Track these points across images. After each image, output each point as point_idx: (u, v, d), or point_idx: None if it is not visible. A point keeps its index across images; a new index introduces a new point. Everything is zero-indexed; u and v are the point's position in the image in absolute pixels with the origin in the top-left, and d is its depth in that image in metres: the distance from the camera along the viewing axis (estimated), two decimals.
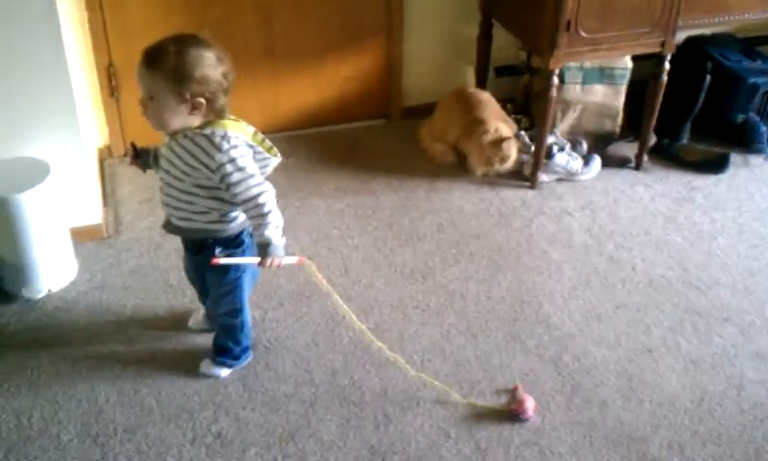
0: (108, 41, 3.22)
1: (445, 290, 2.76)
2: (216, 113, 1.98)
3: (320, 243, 2.96)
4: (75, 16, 3.06)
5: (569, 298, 2.75)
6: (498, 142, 3.25)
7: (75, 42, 2.98)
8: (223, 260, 2.10)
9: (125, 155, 3.40)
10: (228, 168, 1.95)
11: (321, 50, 3.54)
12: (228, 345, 2.37)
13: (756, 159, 3.58)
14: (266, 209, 1.99)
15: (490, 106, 3.41)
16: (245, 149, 2.00)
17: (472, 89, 3.51)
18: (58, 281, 2.70)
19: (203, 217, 2.08)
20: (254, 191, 1.97)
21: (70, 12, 2.96)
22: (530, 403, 2.29)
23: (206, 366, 2.40)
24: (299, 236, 2.97)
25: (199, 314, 2.54)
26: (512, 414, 2.28)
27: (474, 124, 3.31)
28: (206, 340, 2.47)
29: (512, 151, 3.28)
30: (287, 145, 3.41)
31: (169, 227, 2.17)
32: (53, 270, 2.67)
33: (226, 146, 1.95)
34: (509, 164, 3.32)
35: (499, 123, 3.32)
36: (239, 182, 1.96)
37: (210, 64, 1.93)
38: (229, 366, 2.40)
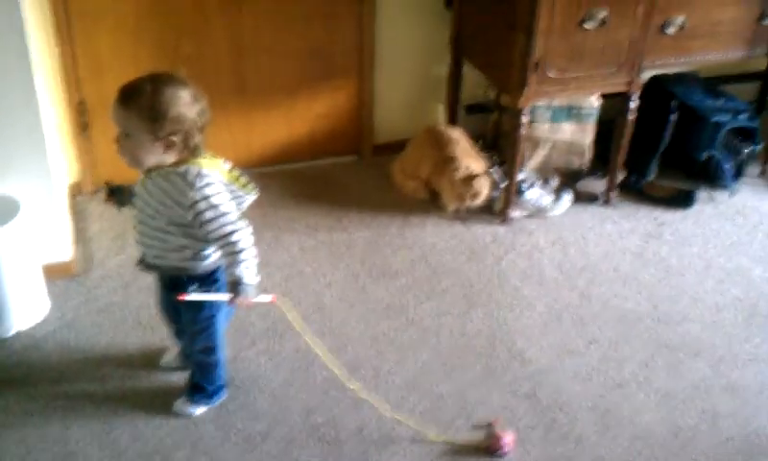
0: (78, 77, 3.20)
1: (419, 326, 2.77)
2: (191, 151, 1.98)
3: (292, 280, 2.95)
4: (45, 52, 3.04)
5: (542, 334, 2.77)
6: (470, 179, 3.28)
7: (45, 78, 2.96)
8: (190, 297, 2.09)
9: (95, 192, 3.38)
10: (202, 206, 1.95)
11: (293, 87, 3.55)
12: (202, 383, 2.34)
13: (720, 195, 3.65)
14: (238, 247, 1.99)
15: (461, 143, 3.45)
16: (219, 186, 2.00)
17: (443, 127, 3.55)
18: (27, 319, 2.65)
19: (177, 254, 2.07)
20: (228, 229, 1.97)
21: (40, 47, 2.95)
22: (508, 438, 2.29)
23: (181, 405, 2.37)
24: (271, 273, 2.96)
25: (171, 353, 2.52)
26: (489, 449, 2.28)
27: (446, 161, 3.34)
28: (180, 378, 2.44)
29: (483, 187, 3.31)
30: (259, 181, 3.35)
31: (143, 264, 2.16)
32: (23, 308, 2.63)
33: (199, 184, 1.94)
34: (480, 200, 3.35)
35: (470, 160, 3.36)
36: (212, 220, 1.96)
37: (186, 103, 1.93)
38: (204, 405, 2.37)
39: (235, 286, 2.02)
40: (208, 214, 1.95)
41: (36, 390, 2.42)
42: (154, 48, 3.24)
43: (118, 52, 3.20)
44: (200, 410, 2.36)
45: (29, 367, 2.50)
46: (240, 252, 1.99)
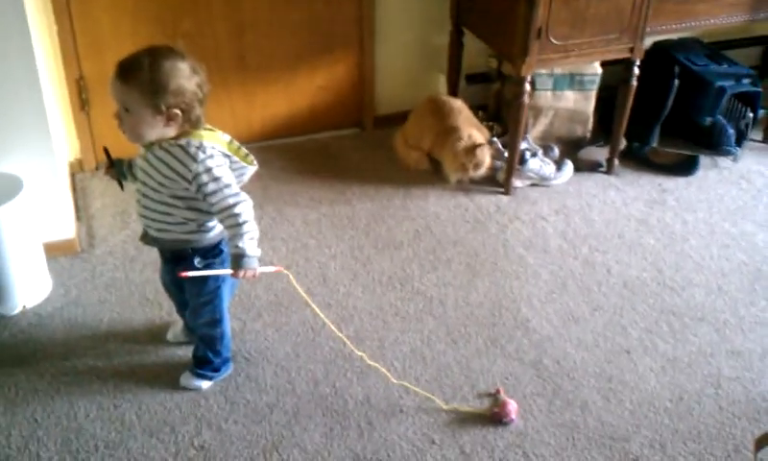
0: (77, 54, 3.19)
1: (424, 297, 2.77)
2: (191, 124, 1.97)
3: (297, 253, 2.95)
4: (44, 29, 3.03)
5: (547, 301, 2.77)
6: (472, 149, 3.27)
7: (44, 56, 2.94)
8: (191, 273, 2.09)
9: (96, 168, 3.38)
10: (204, 178, 1.94)
11: (293, 60, 3.53)
12: (208, 356, 2.35)
13: (724, 161, 3.64)
14: (241, 220, 1.98)
15: (462, 113, 3.43)
16: (220, 159, 1.99)
17: (445, 97, 3.53)
18: (32, 297, 2.66)
19: (180, 228, 2.07)
20: (230, 201, 1.97)
21: (39, 25, 2.93)
22: (512, 406, 2.30)
23: (187, 379, 2.38)
24: (276, 246, 2.96)
25: (177, 327, 2.52)
26: (494, 418, 2.29)
27: (448, 131, 3.33)
28: (186, 353, 2.45)
29: (485, 157, 3.30)
30: (261, 155, 3.35)
31: (146, 238, 2.15)
32: (27, 286, 2.63)
33: (201, 156, 1.94)
34: (483, 170, 3.34)
35: (472, 130, 3.35)
36: (215, 192, 1.96)
37: (185, 76, 1.92)
38: (210, 378, 2.38)
39: (238, 260, 2.02)
40: (210, 186, 1.94)
41: (42, 366, 2.43)
42: (152, 24, 3.22)
43: (117, 29, 3.18)
44: (206, 384, 2.37)
45: (35, 344, 2.51)
46: (242, 224, 1.99)
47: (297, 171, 3.47)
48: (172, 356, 2.48)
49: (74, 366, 2.44)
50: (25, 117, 2.62)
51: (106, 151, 2.16)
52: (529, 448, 2.22)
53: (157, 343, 2.52)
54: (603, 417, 2.33)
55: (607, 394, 2.40)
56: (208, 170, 1.94)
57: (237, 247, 2.01)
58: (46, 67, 2.92)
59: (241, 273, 2.03)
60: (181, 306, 2.39)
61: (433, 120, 3.41)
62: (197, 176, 1.94)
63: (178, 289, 2.30)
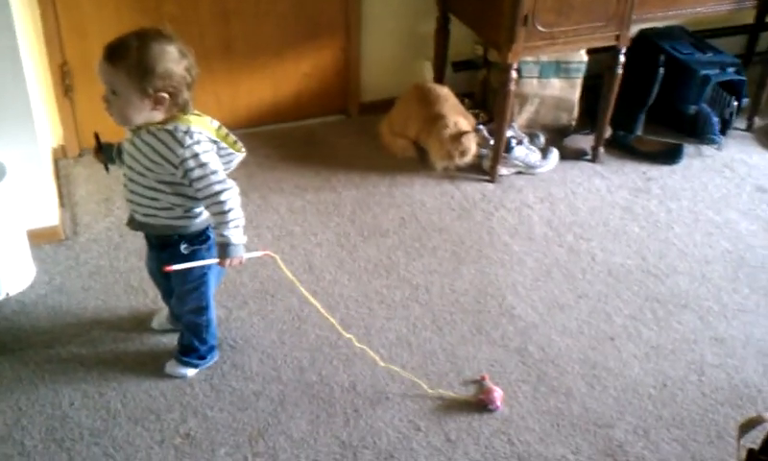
0: (60, 39, 3.15)
1: (410, 284, 2.77)
2: (179, 108, 1.97)
3: (282, 240, 2.95)
4: (27, 14, 3.00)
5: (532, 289, 2.78)
6: (458, 136, 3.27)
7: (27, 41, 2.91)
8: (176, 267, 2.08)
9: (80, 154, 3.35)
10: (190, 163, 1.94)
11: (278, 46, 3.51)
12: (193, 344, 2.34)
13: (708, 150, 3.65)
14: (227, 207, 1.98)
15: (449, 101, 3.43)
16: (207, 144, 1.98)
17: (431, 84, 3.52)
18: (16, 285, 2.64)
19: (167, 213, 2.06)
20: (216, 188, 1.97)
21: (22, 10, 2.90)
22: (497, 393, 2.31)
23: (172, 366, 2.37)
24: (261, 234, 2.95)
25: (162, 314, 2.51)
26: (480, 404, 2.30)
27: (434, 119, 3.33)
28: (171, 340, 2.44)
29: (471, 144, 3.30)
30: (246, 142, 3.30)
31: (133, 223, 2.14)
32: (10, 273, 2.62)
33: (188, 141, 1.93)
34: (469, 158, 3.34)
35: (458, 117, 3.34)
36: (200, 179, 1.95)
37: (173, 59, 1.91)
38: (195, 366, 2.38)
39: (224, 248, 2.02)
40: (197, 172, 1.94)
41: (26, 354, 2.41)
42: (136, 9, 3.19)
43: (100, 13, 3.15)
44: (191, 372, 2.37)
45: (19, 331, 2.50)
46: (227, 211, 1.99)
47: (282, 158, 3.45)
48: (157, 344, 2.47)
49: (58, 354, 2.42)
50: (8, 103, 2.60)
51: (96, 136, 2.15)
52: (514, 435, 2.23)
53: (142, 331, 2.52)
54: (587, 403, 2.34)
55: (591, 380, 2.42)
56: (195, 156, 1.94)
57: (222, 235, 2.01)
58: (29, 53, 2.89)
59: (227, 261, 2.03)
60: (167, 294, 2.38)
61: (419, 107, 3.40)
62: (183, 161, 1.93)
63: (163, 276, 2.28)
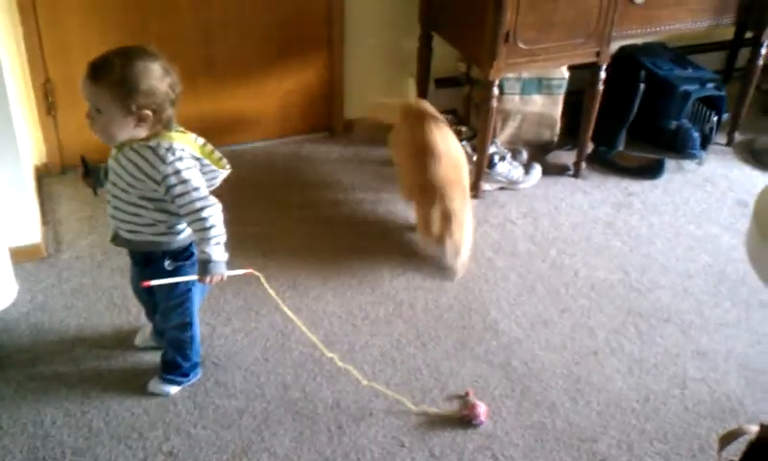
0: (43, 57, 3.15)
1: (394, 300, 2.78)
2: (163, 125, 1.97)
3: (266, 257, 2.94)
4: (9, 32, 2.99)
5: (515, 304, 2.79)
6: (448, 218, 2.76)
7: (9, 59, 2.91)
8: (155, 282, 2.08)
9: (62, 171, 3.34)
10: (172, 180, 1.95)
11: (262, 64, 3.52)
12: (176, 361, 2.34)
13: (689, 165, 3.69)
14: (208, 224, 1.98)
15: (448, 158, 2.87)
16: (190, 161, 1.99)
17: (428, 124, 2.95)
18: None
19: (150, 229, 2.06)
20: (198, 205, 1.97)
21: (4, 27, 2.90)
22: (482, 409, 2.31)
23: (155, 384, 2.36)
24: (245, 250, 2.95)
25: (146, 331, 2.51)
26: (464, 420, 2.30)
27: (427, 188, 2.83)
28: (154, 358, 2.43)
29: (456, 231, 2.77)
30: (229, 159, 3.34)
31: (117, 240, 2.14)
32: None
33: (170, 158, 1.94)
34: (450, 246, 2.78)
35: (454, 193, 2.80)
36: (182, 195, 1.96)
37: (156, 76, 1.92)
38: (179, 383, 2.37)
39: (204, 265, 2.03)
40: (178, 189, 1.94)
41: (8, 373, 2.40)
42: (120, 27, 3.19)
43: (84, 31, 3.15)
44: (174, 389, 2.36)
45: (1, 349, 2.48)
46: (209, 228, 1.99)
47: (265, 175, 3.46)
48: (140, 362, 2.46)
49: (41, 372, 2.41)
50: None
51: (83, 159, 2.15)
52: (498, 450, 2.23)
53: (125, 348, 2.50)
54: (571, 418, 2.35)
55: (575, 395, 2.43)
56: (177, 172, 1.94)
57: (204, 252, 2.01)
58: (12, 71, 2.89)
59: (207, 278, 2.03)
60: (151, 310, 2.37)
61: (413, 156, 2.92)
62: (165, 177, 1.94)
63: (147, 292, 2.27)
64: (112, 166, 2.03)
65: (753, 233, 1.58)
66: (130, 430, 2.23)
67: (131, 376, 2.41)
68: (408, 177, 3.01)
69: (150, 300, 2.30)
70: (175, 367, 2.35)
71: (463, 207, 2.81)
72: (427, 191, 2.81)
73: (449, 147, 2.92)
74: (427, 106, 3.12)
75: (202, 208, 1.96)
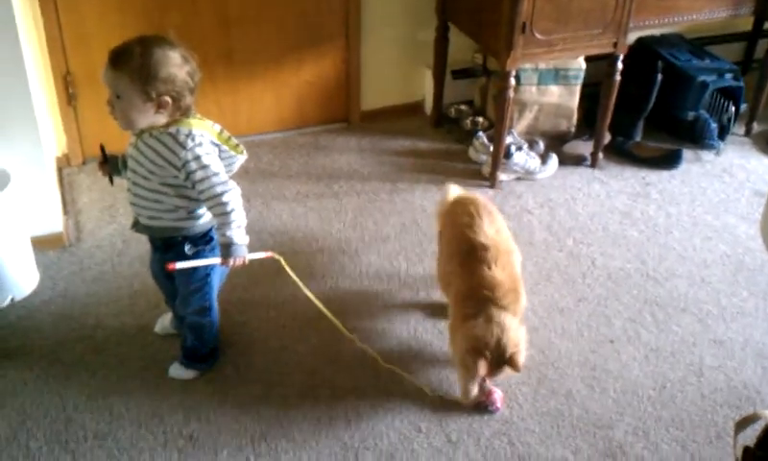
0: (64, 49, 3.19)
1: (411, 289, 2.80)
2: (182, 112, 2.00)
3: (284, 246, 2.96)
4: (30, 24, 3.03)
5: (532, 293, 2.79)
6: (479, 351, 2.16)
7: (31, 50, 2.95)
8: (179, 265, 2.11)
9: (84, 162, 3.38)
10: (193, 166, 1.98)
11: (279, 54, 3.55)
12: (196, 346, 2.37)
13: (707, 155, 3.68)
14: (229, 208, 2.01)
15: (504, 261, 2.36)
16: (209, 147, 2.01)
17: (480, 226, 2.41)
18: (20, 291, 2.66)
19: (171, 215, 2.09)
20: (218, 189, 2.00)
21: (26, 19, 2.93)
22: (498, 395, 2.33)
23: (176, 369, 2.39)
24: (263, 240, 2.98)
25: (165, 319, 2.54)
26: (480, 405, 2.32)
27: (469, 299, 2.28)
28: (174, 344, 2.46)
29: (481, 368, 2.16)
30: (247, 150, 3.37)
31: (138, 226, 2.17)
32: (15, 279, 2.64)
33: (190, 144, 1.97)
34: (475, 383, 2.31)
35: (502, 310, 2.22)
36: (203, 180, 1.99)
37: (175, 64, 1.95)
38: (198, 368, 2.40)
39: (226, 248, 2.06)
40: (199, 174, 1.97)
41: (31, 359, 2.44)
42: (139, 19, 3.22)
43: (103, 23, 3.18)
44: (194, 373, 2.39)
45: (24, 337, 2.52)
46: (230, 212, 2.02)
47: (283, 165, 3.48)
48: (160, 348, 2.49)
49: (62, 358, 2.45)
50: (12, 112, 2.63)
51: (102, 148, 2.17)
52: (515, 436, 2.25)
53: (145, 335, 2.54)
54: (587, 405, 2.36)
55: (591, 382, 2.44)
56: (197, 158, 1.97)
57: (225, 236, 2.04)
58: (33, 62, 2.93)
59: (230, 261, 2.05)
60: (171, 297, 2.40)
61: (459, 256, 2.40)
62: (186, 163, 1.97)
63: (167, 279, 2.30)
64: (132, 154, 2.06)
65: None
66: (150, 415, 2.27)
67: (151, 363, 2.44)
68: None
69: (170, 285, 2.32)
70: (195, 352, 2.38)
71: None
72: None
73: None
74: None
75: (222, 193, 1.99)
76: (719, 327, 2.68)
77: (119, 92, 1.92)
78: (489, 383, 2.37)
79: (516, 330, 2.18)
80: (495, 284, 2.23)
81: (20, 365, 2.41)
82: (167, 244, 2.17)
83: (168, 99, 1.94)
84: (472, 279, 2.27)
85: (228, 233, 2.03)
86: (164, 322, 2.54)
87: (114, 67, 1.91)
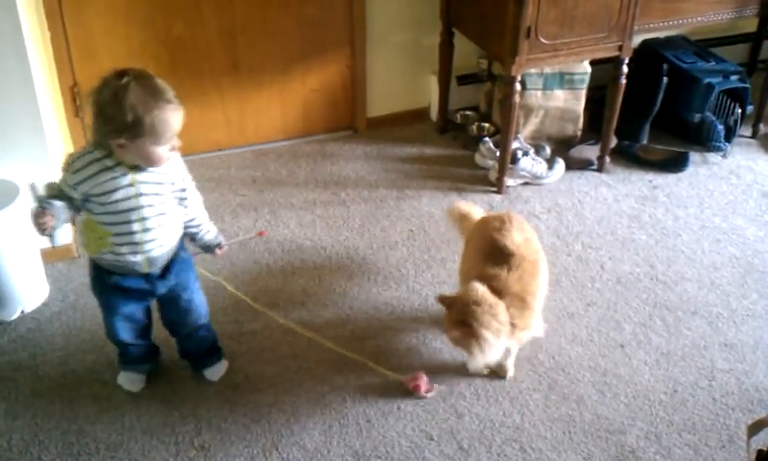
0: (71, 61, 3.20)
1: (419, 295, 2.80)
2: None
3: (292, 254, 2.97)
4: (38, 37, 3.04)
5: None
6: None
7: (38, 63, 2.95)
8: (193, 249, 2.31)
9: None
10: (188, 178, 2.15)
11: (285, 63, 3.55)
12: (213, 337, 2.44)
13: (713, 157, 3.67)
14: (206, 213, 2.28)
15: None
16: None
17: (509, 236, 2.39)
18: (30, 303, 2.67)
19: (177, 233, 2.19)
20: (199, 196, 2.21)
21: (33, 32, 2.94)
22: (423, 380, 2.39)
23: (213, 371, 2.43)
24: (271, 249, 2.98)
25: (133, 376, 2.43)
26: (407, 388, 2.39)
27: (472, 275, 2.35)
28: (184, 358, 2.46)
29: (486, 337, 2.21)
30: (255, 159, 3.41)
31: (150, 268, 2.13)
32: (25, 291, 2.65)
33: (180, 161, 2.11)
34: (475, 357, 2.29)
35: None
36: (194, 189, 2.18)
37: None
38: (223, 354, 2.48)
39: (214, 246, 2.33)
40: (192, 184, 2.17)
41: (42, 370, 2.45)
42: (145, 30, 3.23)
43: (110, 34, 3.20)
44: (226, 361, 2.47)
45: (35, 348, 2.53)
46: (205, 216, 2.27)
47: (291, 174, 3.48)
48: (171, 358, 2.49)
49: (73, 369, 2.45)
50: (21, 124, 2.64)
51: (32, 187, 2.03)
52: (526, 443, 2.24)
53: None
54: (598, 410, 2.35)
55: (602, 388, 2.43)
56: (186, 172, 2.16)
57: (210, 232, 2.29)
58: (41, 74, 2.94)
59: (225, 249, 2.40)
60: (172, 327, 2.39)
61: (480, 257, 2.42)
62: (185, 178, 2.13)
63: (170, 310, 2.33)
64: (140, 196, 2.01)
65: None
66: (162, 425, 2.27)
67: (161, 373, 2.44)
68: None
69: (172, 312, 2.33)
70: (215, 343, 2.45)
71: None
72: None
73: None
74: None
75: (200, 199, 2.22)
76: (729, 330, 2.67)
77: None
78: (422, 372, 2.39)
79: (495, 315, 2.18)
80: (504, 285, 2.25)
81: (31, 377, 2.42)
82: (169, 263, 2.17)
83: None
84: (484, 271, 2.30)
85: (212, 230, 2.30)
86: (132, 378, 2.42)
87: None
